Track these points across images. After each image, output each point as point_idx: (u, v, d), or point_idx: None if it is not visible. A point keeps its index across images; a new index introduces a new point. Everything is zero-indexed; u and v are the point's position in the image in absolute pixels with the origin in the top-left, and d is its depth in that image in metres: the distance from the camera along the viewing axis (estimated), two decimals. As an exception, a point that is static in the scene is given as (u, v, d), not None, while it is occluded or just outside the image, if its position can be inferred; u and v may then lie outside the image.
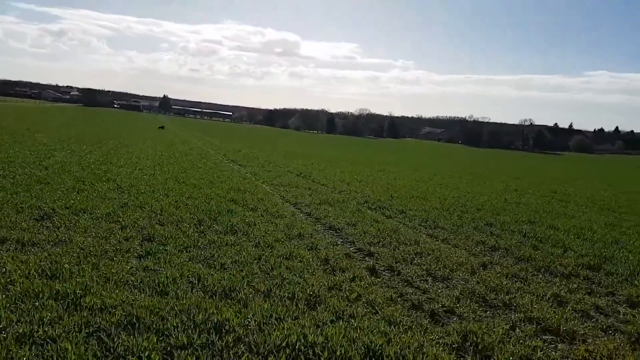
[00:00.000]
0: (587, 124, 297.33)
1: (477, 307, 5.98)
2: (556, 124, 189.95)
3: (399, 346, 4.59)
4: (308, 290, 5.79)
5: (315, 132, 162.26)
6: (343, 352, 4.38)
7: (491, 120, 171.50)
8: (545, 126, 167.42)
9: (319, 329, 4.78)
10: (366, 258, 7.73)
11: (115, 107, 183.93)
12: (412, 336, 4.86)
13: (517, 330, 5.40)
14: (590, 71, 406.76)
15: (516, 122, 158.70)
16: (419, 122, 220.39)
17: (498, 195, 17.85)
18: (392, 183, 19.07)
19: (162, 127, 58.33)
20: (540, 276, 7.56)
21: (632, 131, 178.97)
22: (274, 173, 19.06)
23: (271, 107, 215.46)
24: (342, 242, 8.67)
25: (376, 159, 41.08)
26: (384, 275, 6.93)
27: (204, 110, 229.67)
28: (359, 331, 4.82)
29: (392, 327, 5.06)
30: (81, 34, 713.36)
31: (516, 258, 8.52)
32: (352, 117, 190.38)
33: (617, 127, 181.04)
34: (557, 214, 14.40)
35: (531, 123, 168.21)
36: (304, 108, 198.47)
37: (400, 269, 7.17)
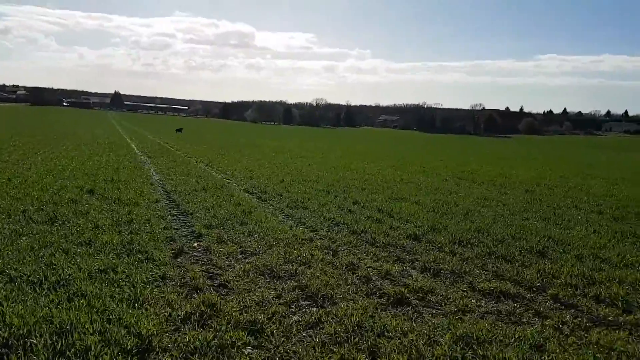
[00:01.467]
0: (537, 107, 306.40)
1: (260, 279, 6.16)
2: (507, 107, 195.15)
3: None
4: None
5: (273, 123, 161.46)
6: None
7: (443, 107, 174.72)
8: (497, 110, 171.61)
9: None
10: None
11: (65, 106, 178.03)
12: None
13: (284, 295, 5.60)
14: (541, 55, 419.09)
15: (468, 107, 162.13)
16: (376, 110, 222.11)
17: (401, 177, 18.25)
18: (298, 169, 19.25)
19: (180, 130, 53.29)
20: (361, 247, 7.81)
21: (580, 112, 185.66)
22: (179, 162, 19.03)
23: (229, 100, 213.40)
24: (180, 225, 8.77)
25: (306, 146, 41.18)
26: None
27: (158, 105, 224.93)
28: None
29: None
30: (27, 31, 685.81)
31: (351, 231, 8.78)
32: (309, 108, 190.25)
33: (565, 109, 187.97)
34: (437, 190, 14.86)
35: (483, 108, 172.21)
36: (261, 100, 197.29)
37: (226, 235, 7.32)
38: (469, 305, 5.54)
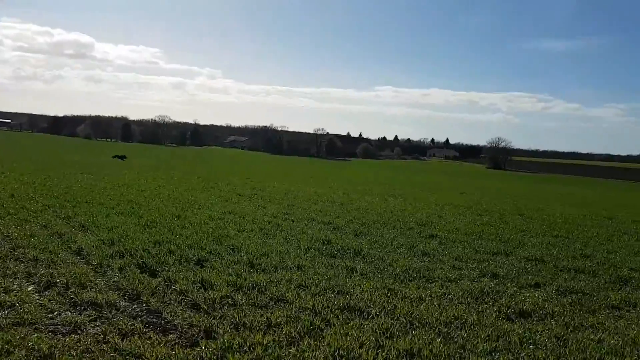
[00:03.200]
0: (375, 133, 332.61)
1: None
2: (349, 133, 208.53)
3: None
4: None
5: (109, 140, 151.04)
6: None
7: (290, 130, 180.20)
8: (338, 135, 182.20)
9: None
10: None
11: None
12: None
13: None
14: (378, 86, 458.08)
15: (312, 131, 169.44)
16: (225, 130, 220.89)
17: (183, 192, 17.92)
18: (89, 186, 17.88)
19: (122, 157, 46.12)
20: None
21: (409, 139, 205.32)
22: None
23: (61, 114, 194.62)
24: None
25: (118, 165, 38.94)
26: None
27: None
28: None
29: None
30: None
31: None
32: (151, 124, 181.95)
33: (396, 136, 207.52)
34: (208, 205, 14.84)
35: (327, 132, 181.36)
36: (98, 114, 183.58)
37: None
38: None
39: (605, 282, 8.41)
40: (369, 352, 4.70)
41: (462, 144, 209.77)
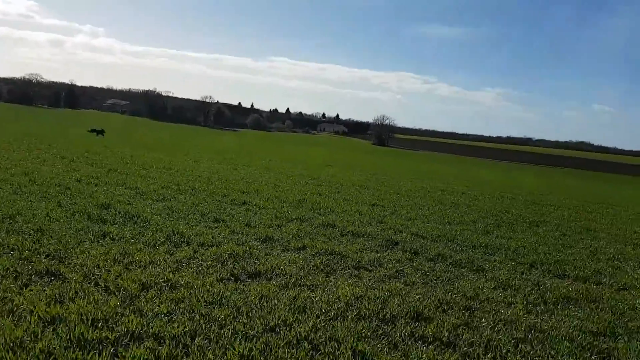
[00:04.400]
0: (267, 105, 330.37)
1: None
2: (240, 103, 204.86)
3: None
4: None
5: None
6: None
7: (176, 95, 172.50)
8: (228, 104, 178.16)
9: None
10: None
11: None
12: None
13: None
14: (274, 57, 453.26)
15: (199, 98, 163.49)
16: (107, 93, 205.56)
17: None
18: None
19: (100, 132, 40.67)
20: None
21: (300, 112, 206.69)
22: None
23: None
24: None
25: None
26: None
27: None
28: None
29: None
30: None
31: None
32: (21, 83, 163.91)
33: (288, 109, 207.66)
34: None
35: (217, 101, 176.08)
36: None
37: None
38: None
39: (377, 245, 8.71)
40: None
41: (352, 120, 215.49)
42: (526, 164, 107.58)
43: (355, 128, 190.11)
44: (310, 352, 4.31)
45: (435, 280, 7.00)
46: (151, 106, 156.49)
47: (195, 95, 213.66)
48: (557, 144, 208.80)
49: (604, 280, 7.97)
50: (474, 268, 7.92)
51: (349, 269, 7.08)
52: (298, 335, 4.56)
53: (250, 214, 10.44)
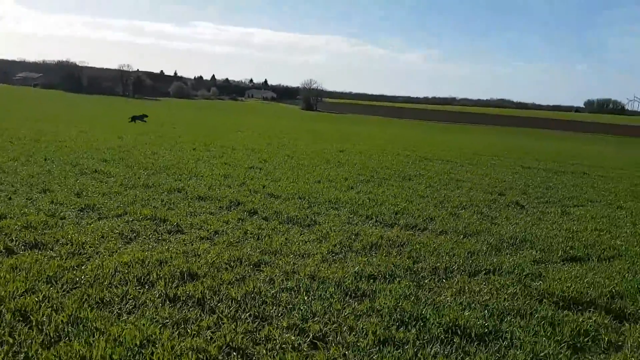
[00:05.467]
0: (193, 72, 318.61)
1: None
2: (162, 71, 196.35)
3: None
4: None
5: None
6: None
7: (92, 65, 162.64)
8: (148, 73, 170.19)
9: None
10: None
11: None
12: None
13: None
14: (197, 21, 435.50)
15: (116, 67, 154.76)
16: (19, 66, 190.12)
17: None
18: None
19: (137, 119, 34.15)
20: None
21: (227, 79, 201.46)
22: None
23: None
24: None
25: None
26: None
27: None
28: None
29: None
30: None
31: None
32: None
33: (213, 75, 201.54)
34: None
35: (138, 70, 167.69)
36: None
37: None
38: None
39: (217, 207, 8.49)
40: None
41: (282, 86, 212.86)
42: (450, 124, 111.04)
43: (285, 93, 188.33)
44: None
45: (252, 238, 6.87)
46: (66, 77, 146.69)
47: (114, 65, 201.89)
48: (479, 102, 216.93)
49: (431, 226, 8.19)
50: (306, 223, 7.87)
51: (160, 233, 6.80)
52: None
53: (95, 182, 9.88)
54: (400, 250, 6.67)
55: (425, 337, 4.17)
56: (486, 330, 4.35)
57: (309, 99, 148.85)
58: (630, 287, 5.60)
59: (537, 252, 6.99)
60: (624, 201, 12.31)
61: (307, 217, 8.21)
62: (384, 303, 4.77)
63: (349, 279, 5.38)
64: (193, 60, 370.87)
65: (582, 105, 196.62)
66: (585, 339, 4.30)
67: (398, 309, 4.65)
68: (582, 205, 11.43)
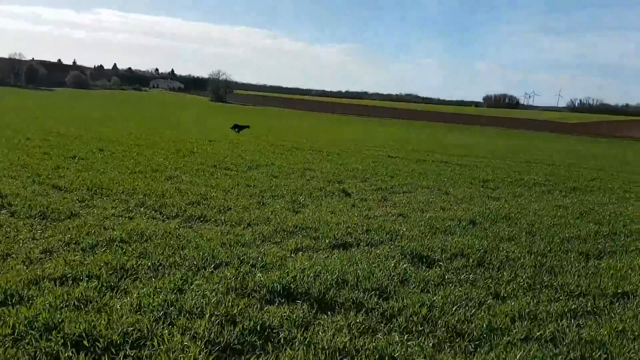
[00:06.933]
0: (93, 61, 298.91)
1: None
2: (60, 60, 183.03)
3: None
4: None
5: None
6: None
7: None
8: (43, 62, 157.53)
9: None
10: None
11: None
12: None
13: None
14: (99, 8, 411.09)
15: (7, 56, 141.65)
16: None
17: None
18: None
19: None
20: None
21: (130, 68, 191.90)
22: None
23: None
24: None
25: None
26: None
27: None
28: None
29: None
30: None
31: None
32: None
33: (115, 64, 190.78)
34: None
35: (33, 58, 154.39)
36: None
37: None
38: None
39: None
40: None
41: (192, 76, 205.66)
42: (360, 117, 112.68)
43: (194, 84, 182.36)
44: None
45: None
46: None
47: (5, 54, 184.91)
48: (389, 97, 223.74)
49: (217, 217, 7.57)
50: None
51: None
52: None
53: None
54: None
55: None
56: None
57: (218, 90, 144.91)
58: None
59: (305, 238, 6.55)
60: (454, 187, 12.49)
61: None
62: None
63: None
64: (96, 49, 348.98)
65: (481, 101, 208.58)
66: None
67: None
68: (411, 192, 11.40)
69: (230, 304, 4.20)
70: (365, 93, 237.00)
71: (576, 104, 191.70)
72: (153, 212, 7.55)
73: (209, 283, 4.65)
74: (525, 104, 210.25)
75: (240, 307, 4.13)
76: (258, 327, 3.84)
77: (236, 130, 29.60)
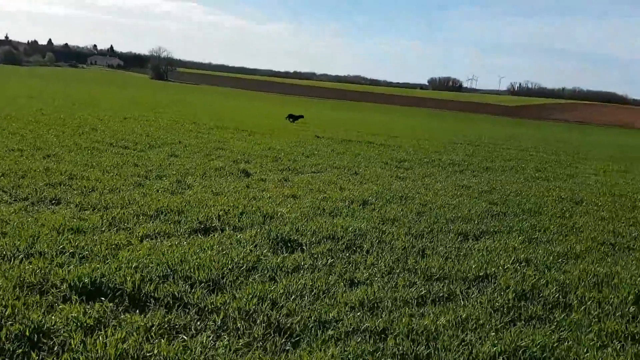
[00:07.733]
0: (27, 36, 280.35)
1: None
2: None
3: None
4: None
5: None
6: None
7: None
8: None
9: None
10: None
11: None
12: None
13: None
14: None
15: None
16: None
17: None
18: None
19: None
20: None
21: (66, 44, 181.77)
22: None
23: None
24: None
25: None
26: None
27: None
28: None
29: None
30: None
31: None
32: None
33: (50, 40, 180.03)
34: None
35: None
36: None
37: None
38: None
39: None
40: None
41: (131, 53, 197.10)
42: (308, 98, 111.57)
43: (134, 61, 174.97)
44: None
45: None
46: None
47: None
48: (337, 78, 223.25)
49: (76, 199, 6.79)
50: None
51: None
52: None
53: None
54: None
55: None
56: None
57: (159, 68, 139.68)
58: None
59: (165, 223, 5.92)
60: (367, 168, 12.14)
61: None
62: None
63: None
64: (28, 23, 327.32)
65: (426, 83, 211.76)
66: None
67: None
68: (319, 172, 10.96)
69: (9, 302, 3.54)
70: (314, 74, 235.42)
71: (516, 88, 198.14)
72: (1, 193, 6.69)
73: (3, 277, 3.95)
74: (468, 87, 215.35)
75: (17, 307, 3.47)
76: (28, 331, 3.20)
77: (291, 120, 28.26)
